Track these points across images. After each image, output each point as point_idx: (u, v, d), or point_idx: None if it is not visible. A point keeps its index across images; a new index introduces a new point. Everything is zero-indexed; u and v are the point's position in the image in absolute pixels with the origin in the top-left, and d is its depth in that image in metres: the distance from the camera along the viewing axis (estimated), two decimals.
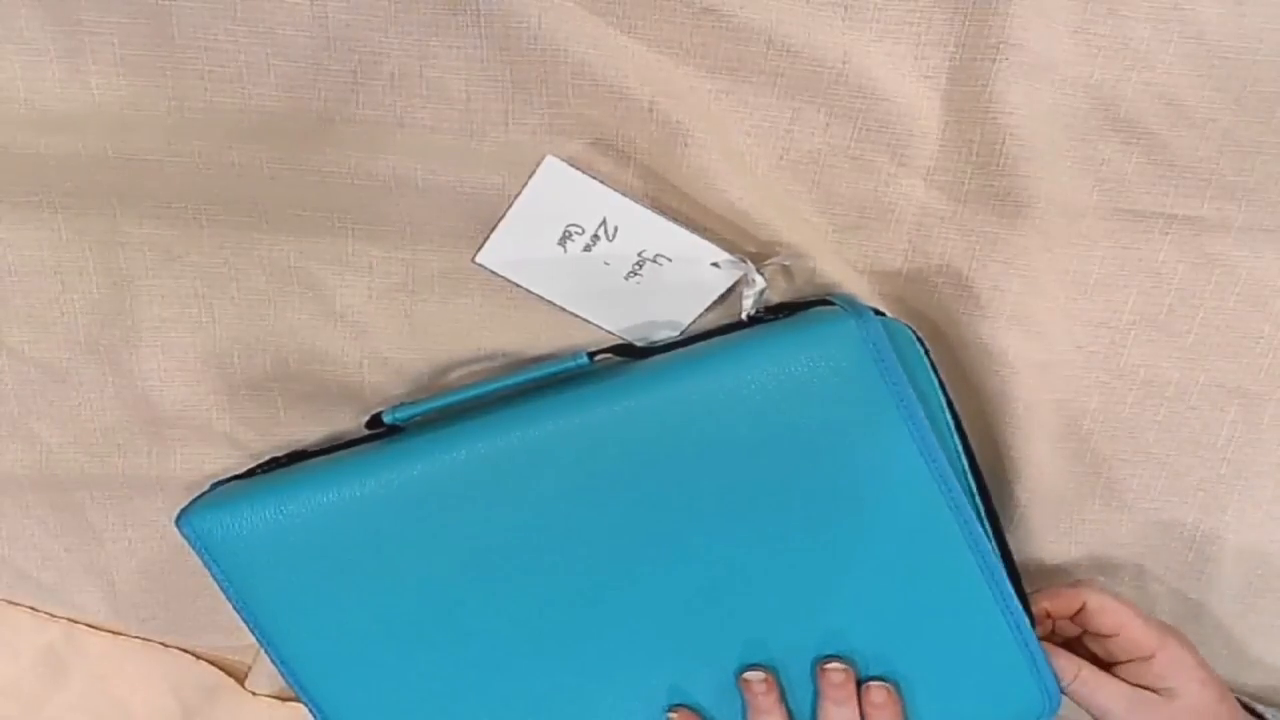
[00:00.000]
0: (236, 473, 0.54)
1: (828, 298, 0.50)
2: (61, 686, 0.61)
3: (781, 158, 0.51)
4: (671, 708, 0.50)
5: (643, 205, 0.50)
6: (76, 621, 0.61)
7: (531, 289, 0.52)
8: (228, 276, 0.52)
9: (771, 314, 0.51)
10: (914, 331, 0.50)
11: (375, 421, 0.51)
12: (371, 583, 0.49)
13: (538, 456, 0.48)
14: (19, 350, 0.53)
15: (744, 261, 0.51)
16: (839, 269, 0.52)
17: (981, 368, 0.52)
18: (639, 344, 0.53)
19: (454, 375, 0.55)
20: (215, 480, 0.54)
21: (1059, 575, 0.58)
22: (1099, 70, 0.48)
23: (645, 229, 0.51)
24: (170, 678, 0.62)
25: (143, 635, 0.62)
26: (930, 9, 0.47)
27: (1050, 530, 0.56)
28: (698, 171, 0.49)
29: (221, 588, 0.48)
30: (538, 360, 0.54)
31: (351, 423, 0.55)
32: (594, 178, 0.50)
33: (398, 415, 0.49)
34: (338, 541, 0.48)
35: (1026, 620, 0.49)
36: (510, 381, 0.49)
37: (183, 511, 0.48)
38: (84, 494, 0.57)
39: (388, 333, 0.54)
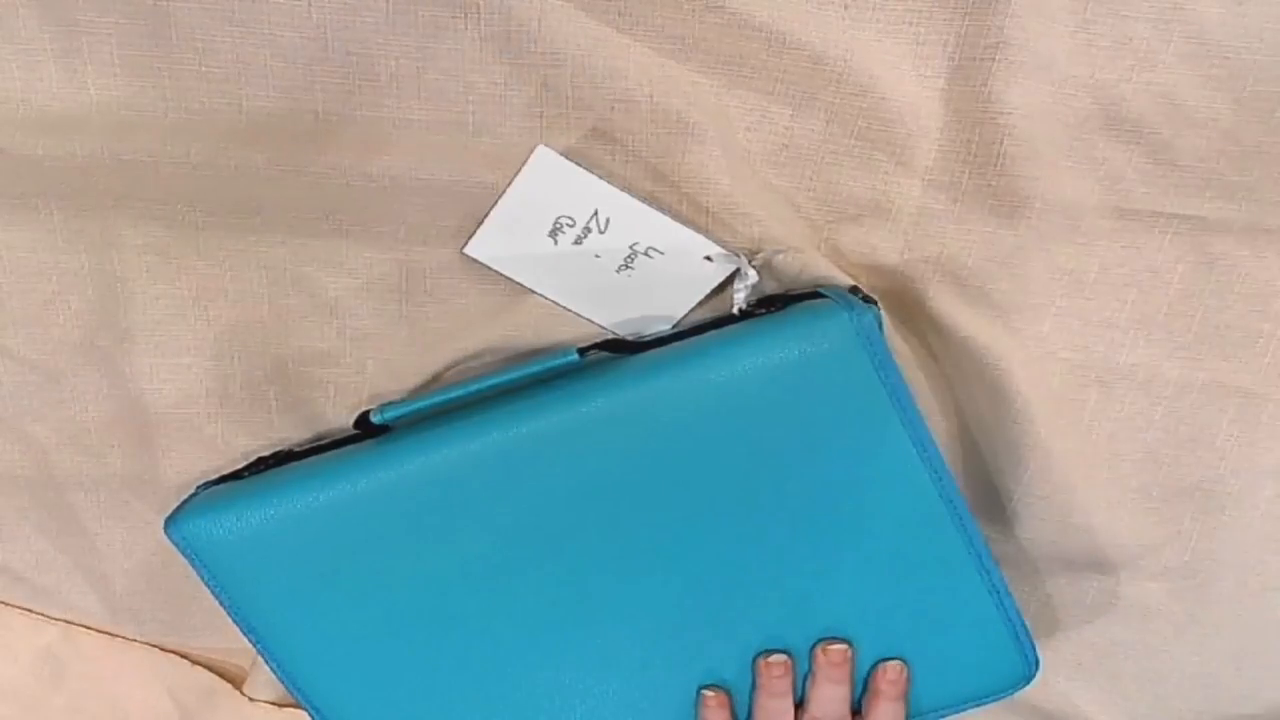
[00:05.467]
0: (223, 474, 0.54)
1: (819, 290, 0.50)
2: (59, 689, 0.61)
3: (780, 154, 0.51)
4: (705, 687, 0.51)
5: (635, 197, 0.50)
6: (73, 624, 0.61)
7: (521, 282, 0.52)
8: (223, 278, 0.52)
9: (762, 307, 0.51)
10: (878, 315, 0.51)
11: (363, 421, 0.51)
12: (365, 583, 0.49)
13: (528, 454, 0.48)
14: (14, 351, 0.53)
15: (737, 255, 0.51)
16: (832, 263, 0.52)
17: (978, 365, 0.52)
18: (629, 339, 0.53)
19: (450, 374, 0.54)
20: (202, 482, 0.54)
21: (1058, 572, 0.58)
22: (1099, 70, 0.48)
23: (638, 221, 0.51)
24: (167, 681, 0.62)
25: (140, 638, 0.62)
26: (930, 8, 0.47)
27: (1048, 527, 0.56)
28: (697, 168, 0.49)
29: (213, 592, 0.48)
30: (528, 356, 0.54)
31: (347, 424, 0.55)
32: (586, 168, 0.50)
33: (386, 415, 0.49)
34: (328, 543, 0.48)
35: (1010, 594, 0.51)
36: (499, 379, 0.49)
37: (170, 517, 0.48)
38: (79, 496, 0.57)
39: (384, 333, 0.54)
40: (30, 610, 0.60)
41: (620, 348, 0.50)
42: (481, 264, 0.52)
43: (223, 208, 0.50)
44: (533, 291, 0.52)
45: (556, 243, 0.51)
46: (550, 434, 0.48)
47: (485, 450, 0.47)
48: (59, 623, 0.61)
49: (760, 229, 0.50)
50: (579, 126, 0.49)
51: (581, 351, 0.48)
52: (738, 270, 0.51)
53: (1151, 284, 0.52)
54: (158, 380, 0.54)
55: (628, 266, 0.51)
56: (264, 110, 0.48)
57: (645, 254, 0.51)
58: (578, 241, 0.51)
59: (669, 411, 0.47)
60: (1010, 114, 0.48)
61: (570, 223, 0.50)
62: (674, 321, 0.53)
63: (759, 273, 0.51)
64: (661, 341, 0.51)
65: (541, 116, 0.49)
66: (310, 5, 0.46)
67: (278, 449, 0.55)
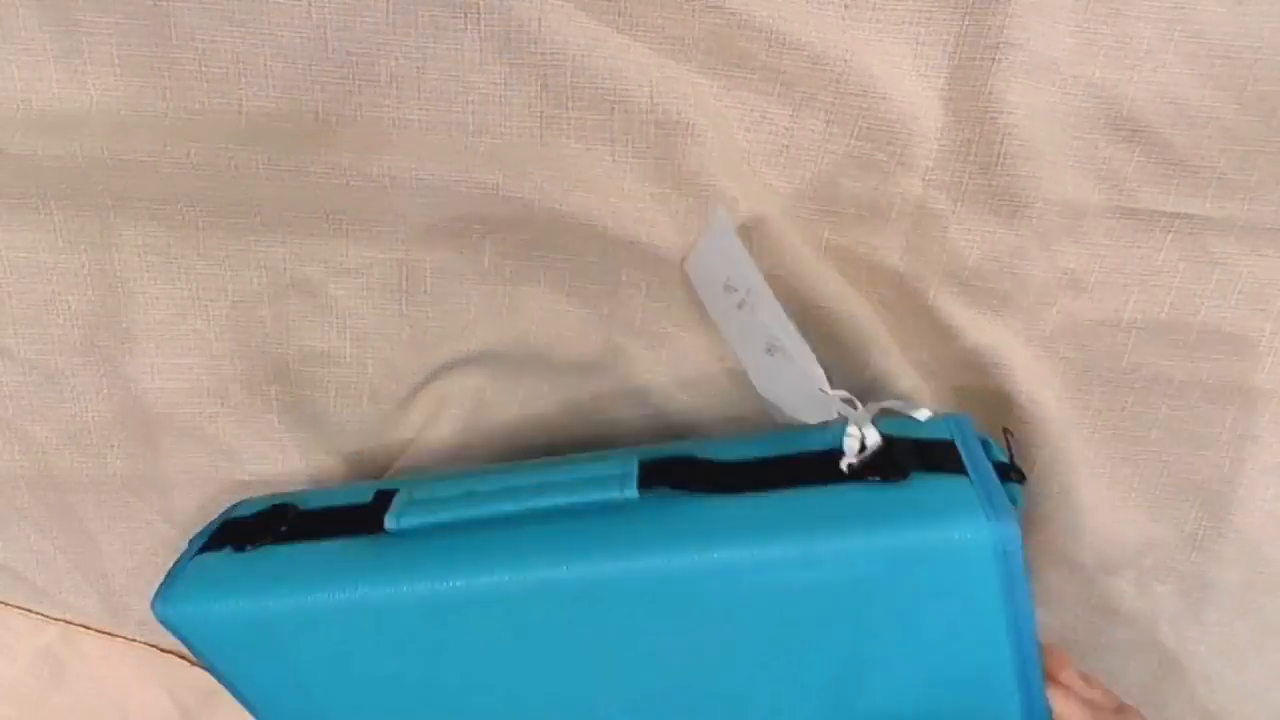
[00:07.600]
0: (227, 511, 0.53)
1: (950, 440, 0.44)
2: (58, 689, 0.61)
3: (780, 154, 0.51)
4: None
5: (777, 301, 0.49)
6: (73, 623, 0.61)
7: (711, 316, 0.52)
8: (223, 278, 0.52)
9: (877, 459, 0.43)
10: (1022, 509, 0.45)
11: (383, 495, 0.48)
12: (357, 688, 0.47)
13: (549, 601, 0.43)
14: (14, 351, 0.53)
15: (854, 405, 0.45)
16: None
17: (979, 365, 0.52)
18: (700, 460, 0.46)
19: (449, 374, 0.54)
20: (196, 533, 0.53)
21: (1061, 572, 0.58)
22: (1100, 69, 0.48)
23: (774, 320, 0.49)
24: (167, 681, 0.62)
25: (140, 638, 0.62)
26: (930, 8, 0.47)
27: (1052, 528, 0.56)
28: (697, 168, 0.49)
29: (204, 666, 0.48)
30: (574, 462, 0.48)
31: (347, 422, 0.55)
32: (744, 249, 0.49)
33: (403, 522, 0.45)
34: (324, 645, 0.46)
35: None
36: (542, 502, 0.44)
37: (161, 593, 0.47)
38: (79, 496, 0.57)
39: (384, 333, 0.53)
40: (30, 610, 0.60)
41: (687, 478, 0.44)
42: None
43: (223, 208, 0.50)
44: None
45: (728, 299, 0.50)
46: (593, 585, 0.42)
47: (501, 588, 0.43)
48: (59, 623, 0.61)
49: (760, 228, 0.50)
50: (579, 126, 0.49)
51: (643, 485, 0.42)
52: (855, 413, 0.45)
53: (1152, 283, 0.52)
54: (158, 380, 0.54)
55: (772, 351, 0.50)
56: (264, 110, 0.48)
57: (782, 350, 0.49)
58: (740, 307, 0.50)
59: (737, 586, 0.41)
60: (1011, 114, 0.48)
61: (734, 289, 0.50)
62: (798, 424, 0.50)
63: (880, 433, 0.44)
64: (737, 472, 0.44)
65: (541, 116, 0.49)
66: (310, 5, 0.46)
67: (280, 448, 0.55)
